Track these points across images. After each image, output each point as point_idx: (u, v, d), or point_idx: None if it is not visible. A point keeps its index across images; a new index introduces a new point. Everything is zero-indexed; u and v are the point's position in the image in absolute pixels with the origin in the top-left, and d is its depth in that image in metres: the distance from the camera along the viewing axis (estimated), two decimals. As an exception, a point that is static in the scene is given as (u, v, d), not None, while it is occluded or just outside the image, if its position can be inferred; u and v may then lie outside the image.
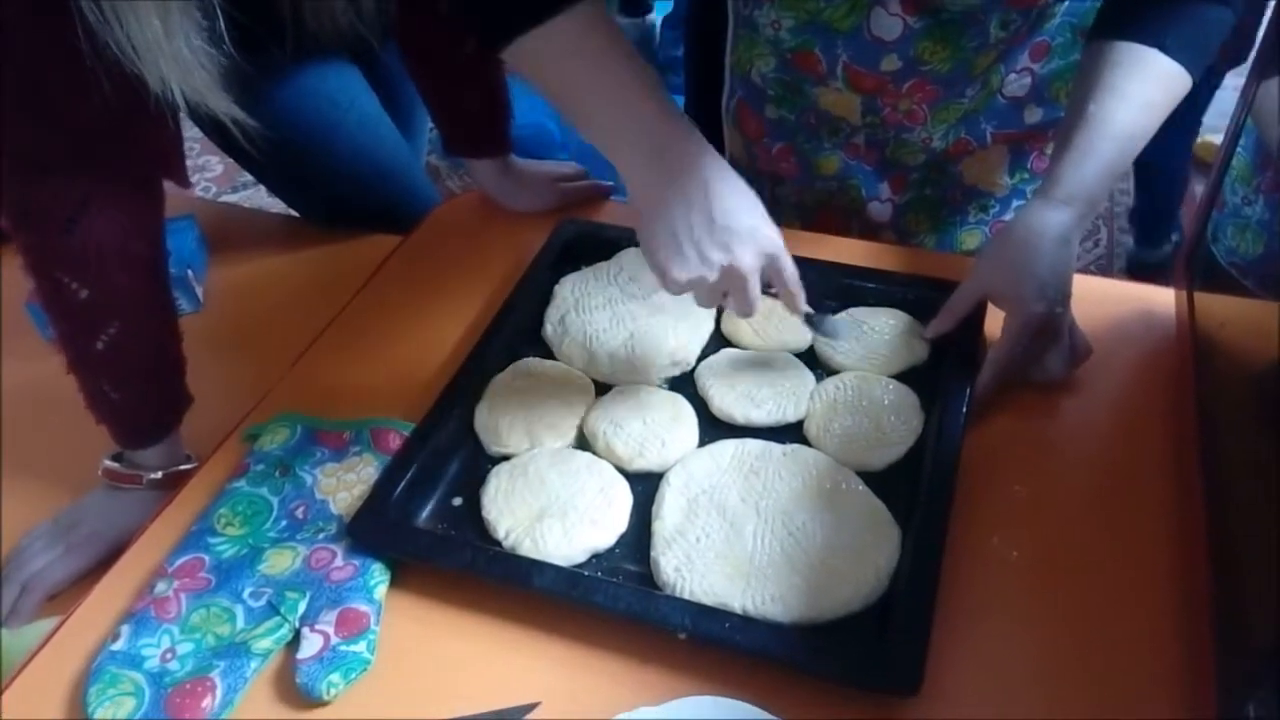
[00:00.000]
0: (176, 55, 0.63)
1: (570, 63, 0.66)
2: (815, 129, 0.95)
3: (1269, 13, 0.81)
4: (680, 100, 1.09)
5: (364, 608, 0.64)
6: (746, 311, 0.70)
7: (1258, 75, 0.81)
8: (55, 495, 0.84)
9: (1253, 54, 0.80)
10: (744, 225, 0.67)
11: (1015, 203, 0.99)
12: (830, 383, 0.79)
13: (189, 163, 0.85)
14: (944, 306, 0.79)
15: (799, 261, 0.87)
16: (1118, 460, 0.72)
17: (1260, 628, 0.53)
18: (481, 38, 0.68)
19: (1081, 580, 0.66)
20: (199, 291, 1.05)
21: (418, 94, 1.07)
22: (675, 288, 0.68)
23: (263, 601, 0.66)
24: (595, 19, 0.65)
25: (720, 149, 1.01)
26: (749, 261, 0.67)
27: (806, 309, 0.74)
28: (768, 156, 1.00)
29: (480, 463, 0.76)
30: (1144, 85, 0.73)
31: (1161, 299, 0.86)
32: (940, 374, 0.78)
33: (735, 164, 1.02)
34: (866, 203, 0.99)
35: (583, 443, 0.77)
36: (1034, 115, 0.92)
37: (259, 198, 1.26)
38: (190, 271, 1.04)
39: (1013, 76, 0.89)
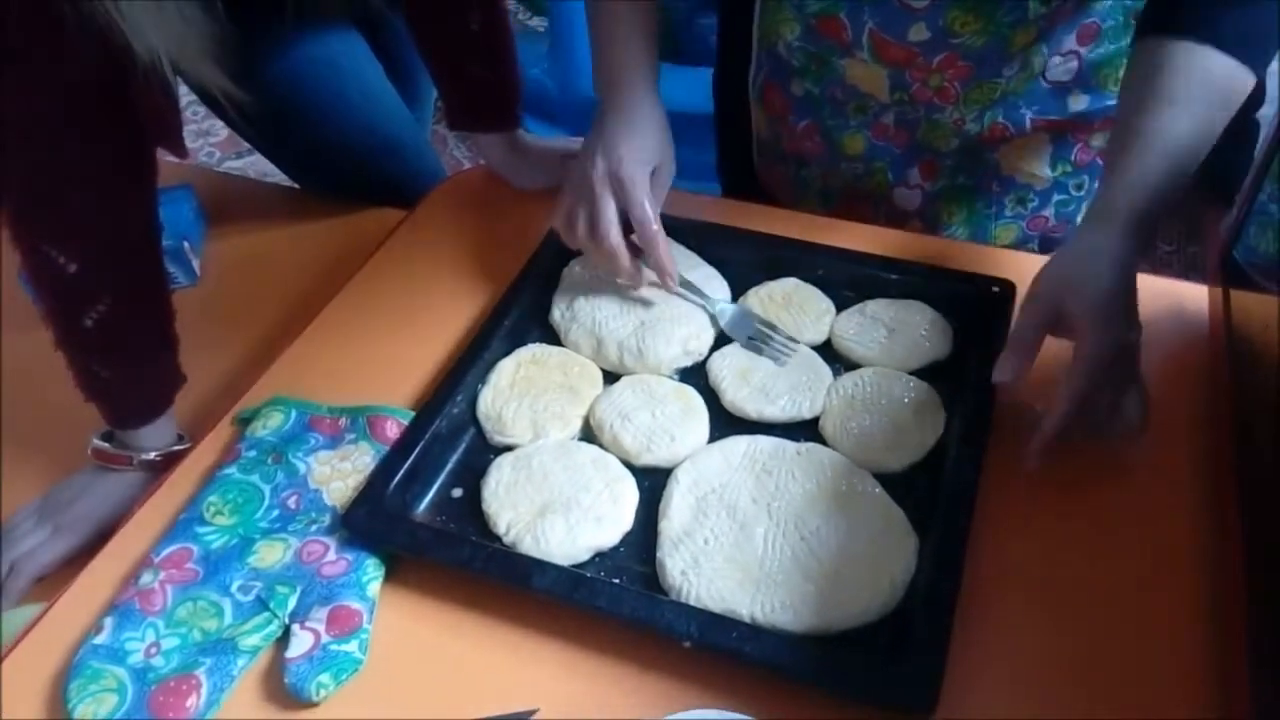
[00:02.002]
0: (169, 24, 0.60)
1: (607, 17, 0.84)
2: (841, 105, 0.91)
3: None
4: (708, 77, 1.07)
5: (356, 605, 0.62)
6: (597, 244, 0.79)
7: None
8: (47, 474, 0.81)
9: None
10: (613, 148, 0.78)
11: (1056, 196, 0.94)
12: (848, 378, 0.75)
13: (192, 127, 0.83)
14: (1010, 342, 0.68)
15: (820, 249, 0.85)
16: (1148, 464, 0.69)
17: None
18: None
19: (1109, 593, 0.63)
20: (195, 264, 1.02)
21: (423, 63, 1.04)
22: (559, 214, 0.81)
23: (252, 596, 0.63)
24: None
25: (747, 128, 1.00)
26: (596, 173, 0.77)
27: (662, 261, 0.80)
28: (792, 135, 0.96)
29: (482, 453, 0.73)
30: (1199, 90, 0.67)
31: (1194, 295, 0.83)
32: (964, 371, 0.75)
33: (762, 144, 1.00)
34: (893, 187, 0.95)
35: (589, 434, 0.74)
36: (1079, 102, 0.87)
37: (263, 163, 1.23)
38: (186, 243, 1.01)
39: (1057, 59, 0.84)
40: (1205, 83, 0.67)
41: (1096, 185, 0.92)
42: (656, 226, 0.79)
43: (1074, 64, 0.85)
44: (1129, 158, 0.68)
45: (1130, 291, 0.67)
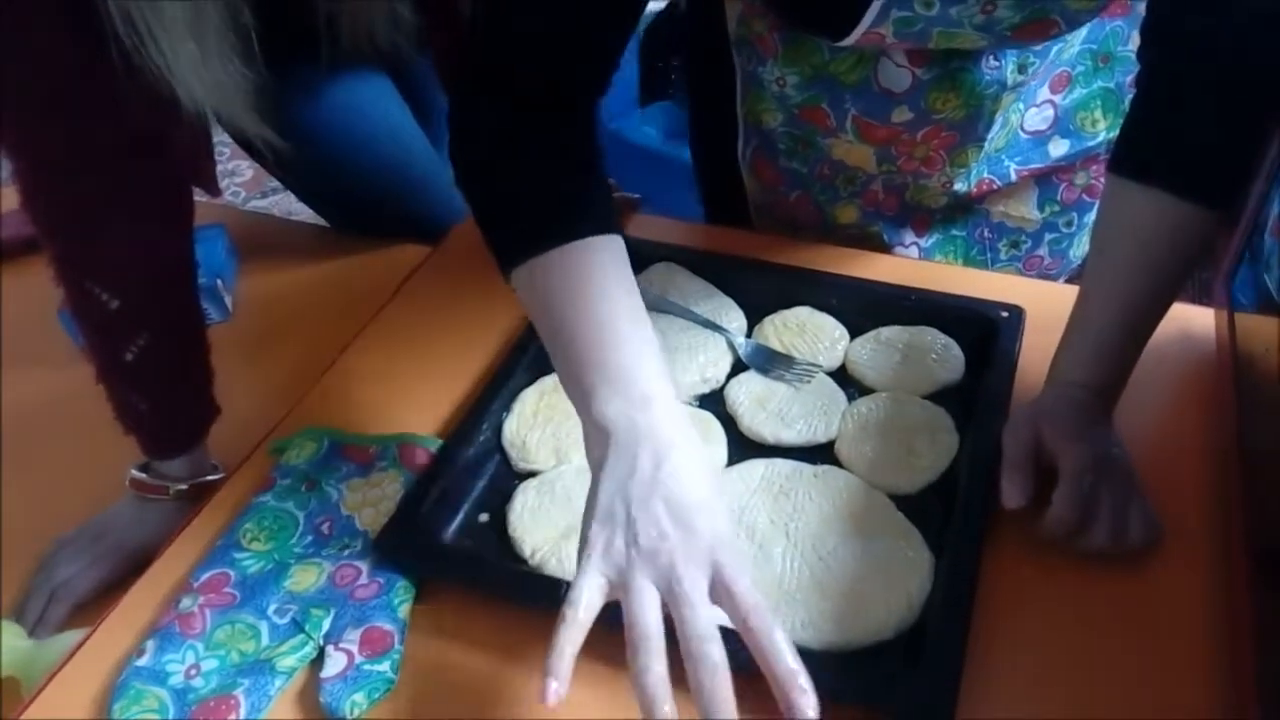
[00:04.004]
0: (214, 78, 0.63)
1: (572, 291, 0.61)
2: (830, 179, 0.92)
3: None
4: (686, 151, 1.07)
5: (388, 626, 0.64)
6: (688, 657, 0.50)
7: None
8: (85, 505, 0.84)
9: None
10: (692, 499, 0.54)
11: (1048, 235, 0.96)
12: (863, 403, 0.77)
13: (219, 168, 0.86)
14: (1005, 470, 0.66)
15: (832, 278, 0.87)
16: (1157, 486, 0.70)
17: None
18: (499, 257, 0.66)
19: (1121, 608, 0.64)
20: (228, 301, 1.06)
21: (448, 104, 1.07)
22: (588, 575, 0.53)
23: (287, 619, 0.65)
24: (615, 251, 0.64)
25: (738, 192, 0.99)
26: (689, 548, 0.52)
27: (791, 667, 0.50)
28: (786, 205, 0.97)
29: (508, 479, 0.75)
30: (1148, 248, 0.67)
31: (1200, 319, 0.84)
32: (974, 394, 0.76)
33: (758, 208, 1.00)
34: (890, 248, 0.96)
35: (610, 460, 0.76)
36: (1059, 148, 0.89)
37: (288, 202, 1.27)
38: (220, 281, 1.04)
39: (1033, 111, 0.86)
40: (1155, 236, 0.67)
41: (1088, 218, 0.95)
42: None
43: (1050, 112, 0.87)
44: (1079, 320, 0.70)
45: (1105, 422, 0.69)
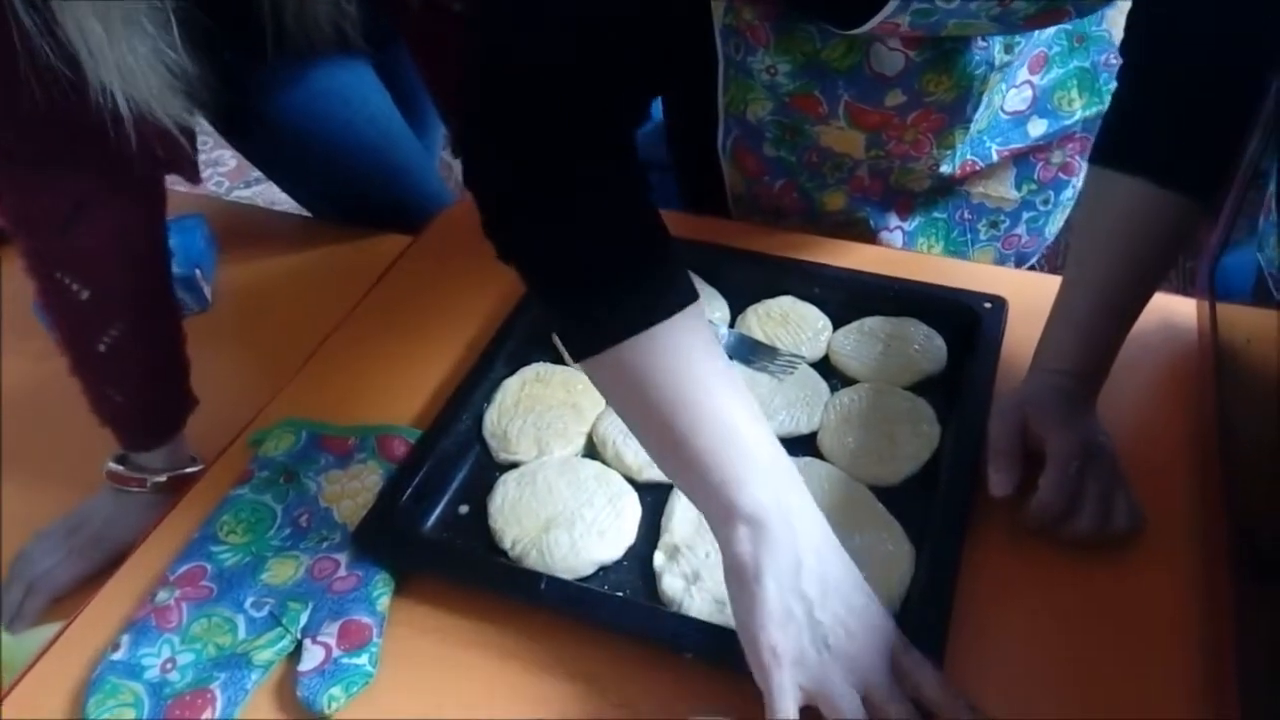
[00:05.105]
0: (119, 63, 0.62)
1: (669, 378, 0.56)
2: (818, 166, 0.92)
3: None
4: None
5: (366, 619, 0.63)
6: None
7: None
8: (63, 497, 0.83)
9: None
10: (859, 585, 0.55)
11: (1026, 214, 0.97)
12: (845, 394, 0.77)
13: (201, 157, 0.85)
14: (991, 457, 0.67)
15: (815, 268, 0.87)
16: (1138, 476, 0.70)
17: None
18: (573, 349, 0.61)
19: (1101, 601, 0.64)
20: (207, 291, 1.05)
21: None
22: (786, 688, 0.51)
23: (264, 612, 0.65)
24: (702, 320, 0.59)
25: (718, 185, 0.98)
26: (878, 643, 0.53)
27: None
28: (770, 194, 0.96)
29: (488, 470, 0.75)
30: (1130, 238, 0.67)
31: (1182, 309, 0.84)
32: (956, 385, 0.76)
33: (737, 199, 0.99)
34: (876, 234, 0.96)
35: (592, 450, 0.76)
36: (1038, 128, 0.90)
37: (272, 192, 1.25)
38: (198, 271, 1.03)
39: (1013, 92, 0.87)
40: (1136, 226, 0.67)
41: (1064, 195, 0.97)
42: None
43: (1028, 92, 0.87)
44: (1062, 308, 0.70)
45: (1088, 410, 0.69)
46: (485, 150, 0.60)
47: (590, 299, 0.58)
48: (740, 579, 0.53)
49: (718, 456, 0.55)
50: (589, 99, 0.58)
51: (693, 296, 0.58)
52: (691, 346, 0.57)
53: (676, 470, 0.59)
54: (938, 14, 0.68)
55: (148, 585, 0.68)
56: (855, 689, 0.51)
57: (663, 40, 0.62)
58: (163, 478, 0.82)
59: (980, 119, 0.87)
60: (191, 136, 0.78)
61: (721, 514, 0.55)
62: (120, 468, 0.82)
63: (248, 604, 0.66)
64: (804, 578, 0.52)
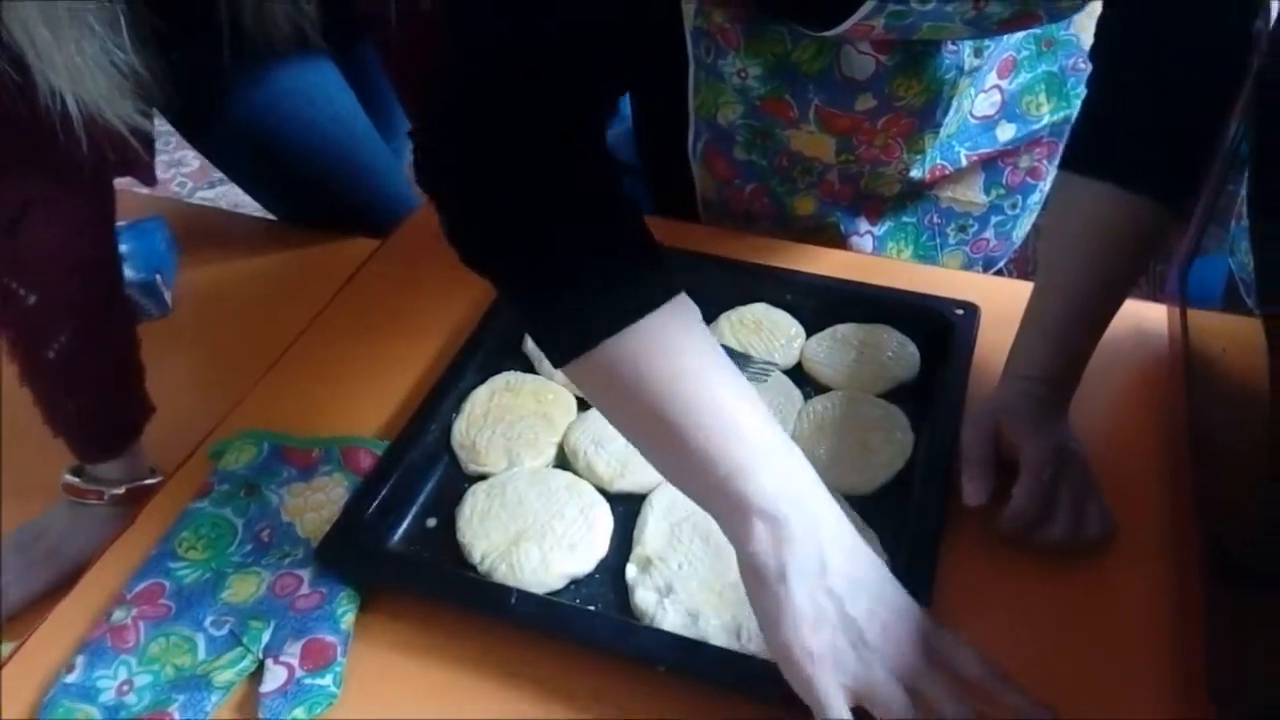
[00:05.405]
0: (67, 64, 0.60)
1: (663, 373, 0.53)
2: (788, 170, 0.92)
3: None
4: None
5: (330, 638, 0.62)
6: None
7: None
8: (18, 510, 0.80)
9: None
10: (885, 577, 0.53)
11: (994, 218, 0.97)
12: (818, 401, 0.76)
13: (163, 158, 0.83)
14: (965, 465, 0.67)
15: (788, 274, 0.86)
16: (1110, 482, 0.70)
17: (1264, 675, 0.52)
18: (552, 353, 0.57)
19: (1077, 613, 0.64)
20: (167, 296, 1.02)
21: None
22: (832, 691, 0.49)
23: (225, 631, 0.63)
24: (689, 309, 0.56)
25: (689, 189, 0.97)
26: (912, 632, 0.51)
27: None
28: (740, 198, 0.96)
29: (457, 482, 0.73)
30: (1100, 243, 0.67)
31: (1152, 315, 0.85)
32: (929, 392, 0.76)
33: (707, 204, 0.98)
34: (846, 239, 0.96)
35: (563, 461, 0.74)
36: (1006, 132, 0.90)
37: (236, 194, 1.23)
38: (159, 275, 1.01)
39: (981, 96, 0.86)
40: (1106, 231, 0.67)
41: (1031, 200, 0.97)
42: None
43: (997, 97, 0.87)
44: (1033, 313, 0.70)
45: (1061, 417, 0.69)
46: (451, 151, 0.58)
47: (569, 297, 0.55)
48: (761, 580, 0.51)
49: (723, 451, 0.52)
50: (561, 99, 0.57)
51: (678, 286, 0.56)
52: (683, 337, 0.55)
53: (679, 471, 0.55)
54: (912, 16, 0.68)
55: (104, 603, 0.66)
56: (900, 682, 0.50)
57: (636, 43, 0.60)
58: (120, 490, 0.80)
59: (950, 123, 0.86)
60: (146, 139, 0.76)
61: (732, 510, 0.52)
62: (76, 480, 0.80)
63: (207, 623, 0.64)
64: (830, 574, 0.50)
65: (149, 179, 0.82)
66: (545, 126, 0.56)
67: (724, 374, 0.55)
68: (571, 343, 0.55)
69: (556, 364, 0.57)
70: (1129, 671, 0.61)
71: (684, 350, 0.54)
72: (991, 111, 0.88)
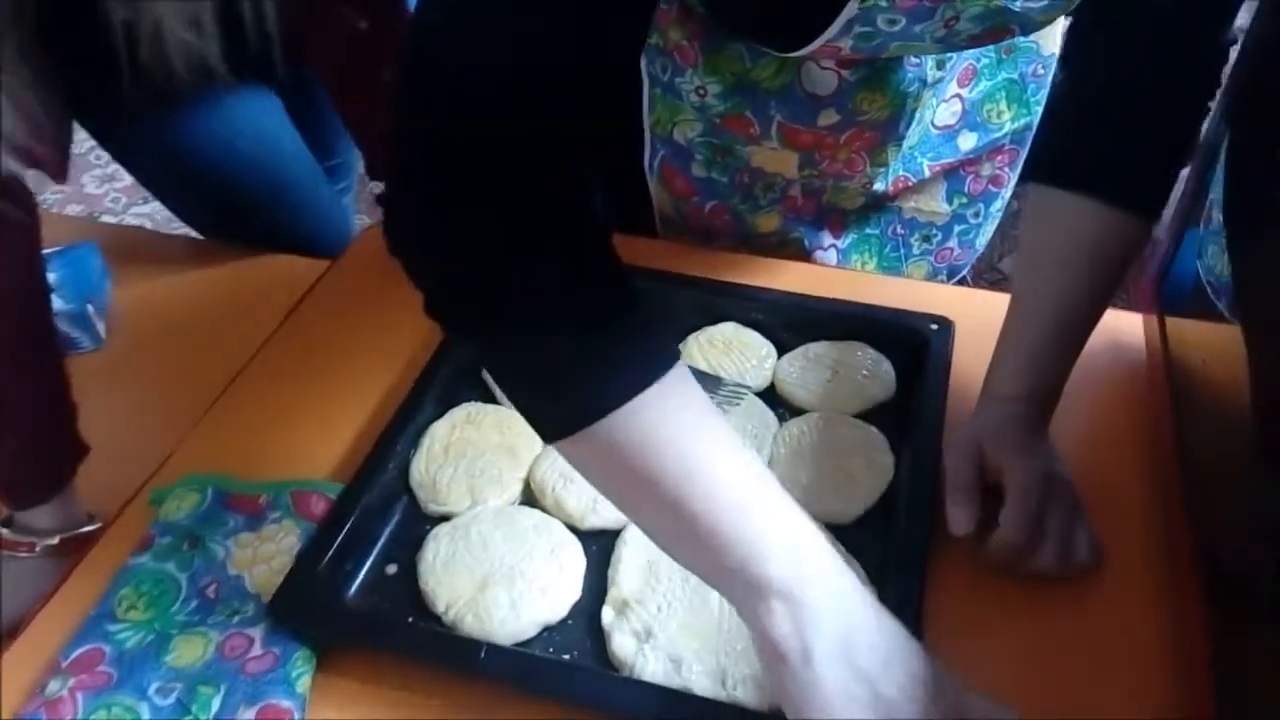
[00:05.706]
0: None
1: (666, 451, 0.49)
2: (749, 187, 0.89)
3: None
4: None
5: (286, 703, 0.58)
6: None
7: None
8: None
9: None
10: (915, 650, 0.50)
11: (957, 227, 0.96)
12: (794, 424, 0.74)
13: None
14: (949, 492, 0.65)
15: (756, 292, 0.83)
16: (1095, 501, 0.69)
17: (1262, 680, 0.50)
18: (545, 430, 0.53)
19: (1069, 641, 0.62)
20: (100, 328, 0.96)
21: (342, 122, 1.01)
22: None
23: (171, 699, 0.58)
24: (688, 378, 0.52)
25: (646, 204, 0.93)
26: (946, 707, 0.48)
27: None
28: (699, 215, 0.93)
29: (417, 523, 0.69)
30: (1080, 259, 0.66)
31: (1129, 325, 0.83)
32: (908, 410, 0.74)
33: (665, 221, 0.95)
34: (810, 253, 0.94)
35: (530, 498, 0.71)
36: (968, 141, 0.89)
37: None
38: (90, 306, 0.95)
39: (943, 105, 0.85)
40: (1080, 246, 0.66)
41: (993, 207, 0.96)
42: None
43: (958, 106, 0.86)
44: (1009, 332, 0.69)
45: (1043, 437, 0.68)
46: (421, 232, 0.52)
47: (563, 374, 0.50)
48: (784, 663, 0.48)
49: (736, 530, 0.49)
50: (532, 161, 0.50)
51: (676, 353, 0.52)
52: (685, 411, 0.51)
53: (687, 550, 0.52)
54: (881, 37, 0.66)
55: (37, 674, 0.61)
56: None
57: (598, 87, 0.54)
58: (54, 540, 0.75)
59: (912, 135, 0.85)
60: (56, 133, 0.72)
61: (747, 591, 0.49)
62: (5, 530, 0.75)
63: (152, 690, 0.59)
64: (859, 653, 0.47)
65: (58, 175, 0.78)
66: (519, 194, 0.50)
67: (731, 448, 0.51)
68: (565, 423, 0.51)
69: (546, 440, 0.53)
70: (1129, 696, 0.59)
71: (688, 426, 0.51)
72: (953, 121, 0.87)
